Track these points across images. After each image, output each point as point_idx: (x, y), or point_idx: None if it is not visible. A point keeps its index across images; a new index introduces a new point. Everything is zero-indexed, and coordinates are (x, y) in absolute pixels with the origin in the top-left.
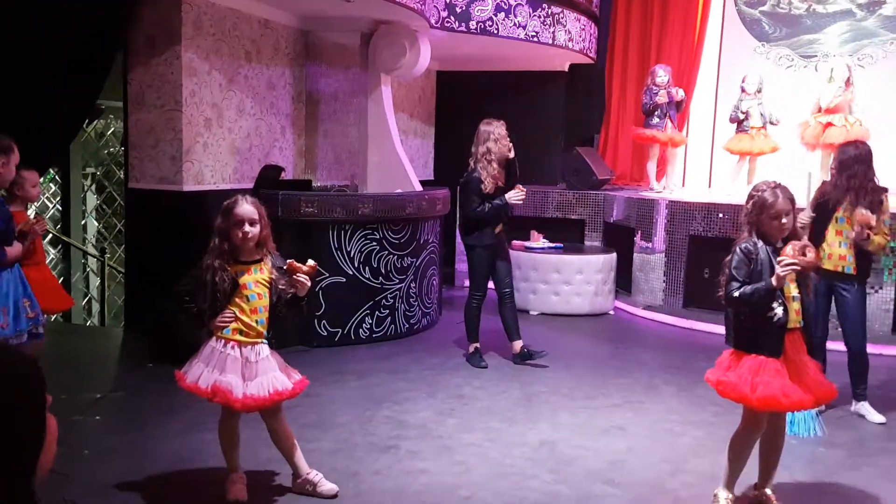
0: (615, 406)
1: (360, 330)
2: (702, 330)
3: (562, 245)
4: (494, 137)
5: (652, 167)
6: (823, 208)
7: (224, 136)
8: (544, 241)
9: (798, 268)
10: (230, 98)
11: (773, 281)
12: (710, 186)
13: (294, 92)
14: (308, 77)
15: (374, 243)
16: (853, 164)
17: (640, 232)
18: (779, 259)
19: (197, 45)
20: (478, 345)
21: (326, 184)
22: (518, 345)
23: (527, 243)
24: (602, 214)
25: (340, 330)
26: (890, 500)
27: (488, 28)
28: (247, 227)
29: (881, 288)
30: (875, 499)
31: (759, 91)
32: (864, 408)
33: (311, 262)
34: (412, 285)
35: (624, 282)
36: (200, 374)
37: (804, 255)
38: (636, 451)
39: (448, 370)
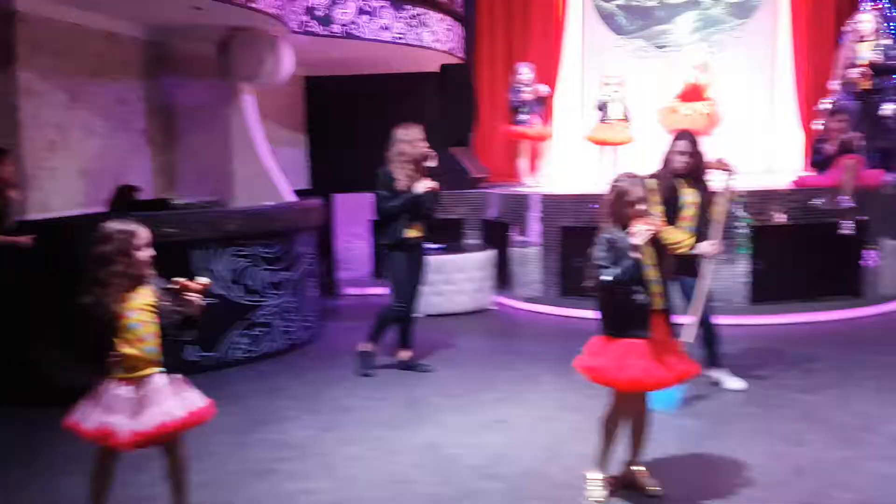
0: (498, 400)
1: (236, 351)
2: (579, 317)
3: (443, 245)
4: (408, 139)
5: (524, 163)
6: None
7: (71, 158)
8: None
9: (651, 232)
10: (75, 118)
11: (636, 253)
12: (580, 178)
13: (148, 106)
14: (163, 90)
15: (245, 260)
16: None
17: (516, 227)
18: (632, 229)
19: (35, 65)
20: (373, 347)
21: (191, 201)
22: (407, 353)
23: None
24: (479, 212)
25: (214, 354)
26: (751, 461)
27: (352, 31)
28: (150, 250)
29: (737, 262)
30: (737, 462)
31: (621, 84)
32: (721, 375)
33: (202, 279)
34: (289, 300)
35: (504, 277)
36: (88, 415)
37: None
38: (517, 442)
39: (331, 383)
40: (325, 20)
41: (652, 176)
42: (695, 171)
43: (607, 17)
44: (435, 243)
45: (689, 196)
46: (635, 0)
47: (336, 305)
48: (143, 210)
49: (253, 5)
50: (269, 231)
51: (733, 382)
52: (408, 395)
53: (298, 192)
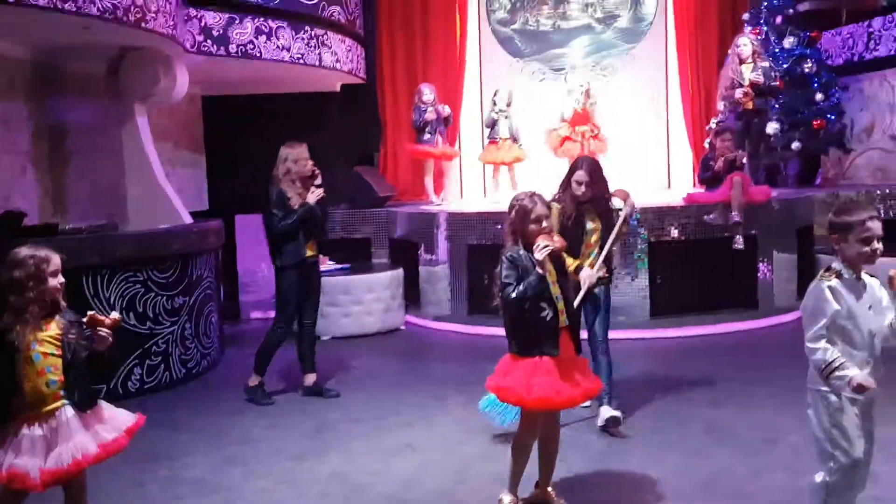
0: (407, 424)
1: (129, 383)
2: (488, 334)
3: (349, 265)
4: (293, 158)
5: (429, 182)
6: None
7: None
8: (330, 262)
9: (551, 249)
10: None
11: (538, 268)
12: (485, 196)
13: (35, 128)
14: (50, 111)
15: (138, 286)
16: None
17: (423, 245)
18: (535, 246)
19: None
20: (262, 379)
21: (81, 225)
22: (311, 378)
23: None
24: (387, 231)
25: (105, 386)
26: (660, 476)
27: (250, 51)
28: (61, 277)
29: (637, 277)
30: (647, 478)
31: (509, 105)
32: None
33: (114, 314)
34: (187, 326)
35: (413, 296)
36: None
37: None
38: (426, 467)
39: (233, 413)
40: (222, 40)
41: (555, 201)
42: (596, 198)
43: (505, 41)
44: (341, 263)
45: (591, 223)
46: (531, 25)
47: (239, 331)
48: (30, 235)
49: (144, 25)
50: (164, 255)
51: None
52: (314, 423)
53: (197, 214)
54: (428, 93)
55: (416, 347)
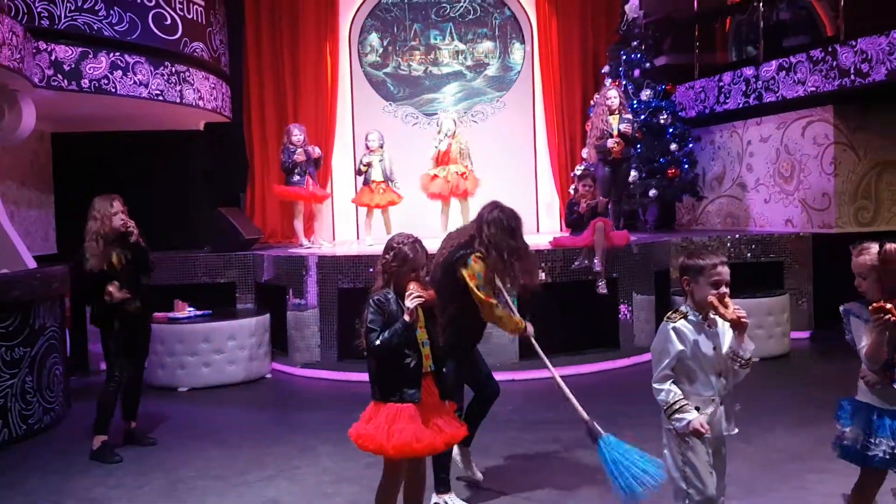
0: (269, 478)
1: None
2: (359, 380)
3: (210, 311)
4: (100, 215)
5: (299, 224)
6: None
7: None
8: (191, 309)
9: (422, 300)
10: None
11: (406, 316)
12: (358, 239)
13: None
14: None
15: None
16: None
17: (291, 289)
18: (406, 293)
19: None
20: (106, 438)
21: None
22: (130, 425)
23: (170, 314)
24: (253, 275)
25: None
26: None
27: (104, 87)
28: None
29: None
30: None
31: (381, 147)
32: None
33: None
34: (28, 380)
35: (280, 342)
36: None
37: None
38: None
39: (79, 473)
40: (74, 74)
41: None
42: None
43: (377, 84)
44: (203, 309)
45: None
46: (403, 69)
47: (87, 383)
48: None
49: None
50: (4, 303)
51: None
52: (167, 480)
53: (44, 258)
54: (297, 133)
55: (283, 396)
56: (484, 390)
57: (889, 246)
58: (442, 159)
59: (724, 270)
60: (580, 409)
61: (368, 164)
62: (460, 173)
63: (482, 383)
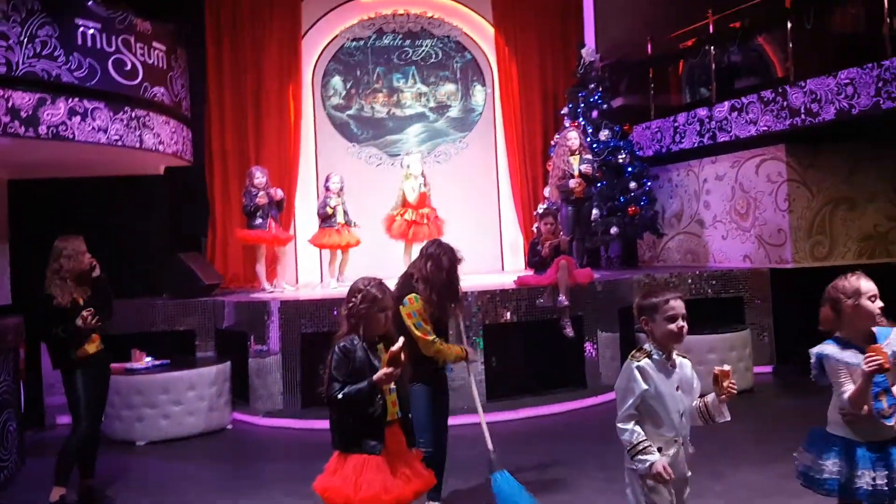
0: None
1: None
2: (324, 429)
3: (168, 361)
4: (67, 254)
5: (261, 268)
6: None
7: None
8: (149, 359)
9: (396, 372)
10: None
11: (375, 378)
12: (321, 282)
13: None
14: None
15: None
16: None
17: (253, 336)
18: (385, 362)
19: None
20: (65, 491)
21: None
22: (87, 483)
23: (127, 364)
24: (213, 322)
25: None
26: None
27: (62, 133)
28: None
29: (475, 360)
30: None
31: (342, 190)
32: None
33: None
34: None
35: (242, 391)
36: None
37: (400, 352)
38: None
39: None
40: (31, 121)
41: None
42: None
43: (340, 126)
44: (161, 358)
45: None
46: (366, 111)
47: (43, 438)
48: None
49: None
50: None
51: None
52: None
53: None
54: (259, 176)
55: (244, 448)
56: (441, 435)
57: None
58: (409, 202)
59: (678, 304)
60: (489, 440)
61: (334, 208)
62: (426, 215)
63: (440, 428)
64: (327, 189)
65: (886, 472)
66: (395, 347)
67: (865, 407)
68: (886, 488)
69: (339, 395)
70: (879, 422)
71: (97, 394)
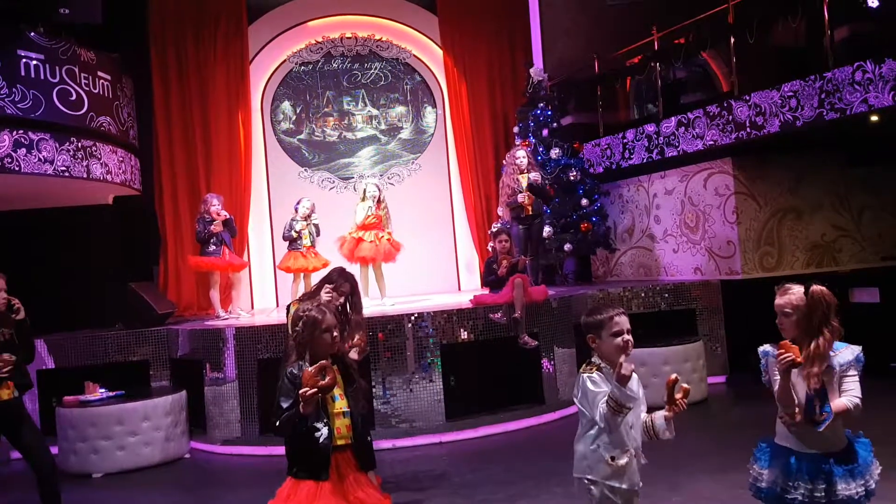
0: None
1: None
2: (282, 454)
3: (123, 392)
4: None
5: (215, 294)
6: None
7: None
8: (102, 391)
9: (315, 392)
10: None
11: (301, 408)
12: (277, 307)
13: None
14: None
15: None
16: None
17: (208, 363)
18: (302, 390)
19: None
20: None
21: None
22: None
23: (81, 397)
24: (167, 351)
25: None
26: None
27: (7, 165)
28: None
29: (432, 381)
30: None
31: (310, 215)
32: None
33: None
34: None
35: (198, 420)
36: None
37: (320, 374)
38: None
39: None
40: None
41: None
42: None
43: (291, 151)
44: (115, 390)
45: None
46: (317, 135)
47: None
48: None
49: None
50: None
51: None
52: None
53: None
54: (216, 203)
55: (203, 477)
56: None
57: (816, 287)
58: (367, 224)
59: (623, 319)
60: None
61: (300, 232)
62: (385, 238)
63: None
64: (295, 211)
65: (825, 486)
66: (310, 369)
67: (797, 413)
68: (824, 501)
69: (277, 423)
70: (815, 431)
71: (21, 436)
